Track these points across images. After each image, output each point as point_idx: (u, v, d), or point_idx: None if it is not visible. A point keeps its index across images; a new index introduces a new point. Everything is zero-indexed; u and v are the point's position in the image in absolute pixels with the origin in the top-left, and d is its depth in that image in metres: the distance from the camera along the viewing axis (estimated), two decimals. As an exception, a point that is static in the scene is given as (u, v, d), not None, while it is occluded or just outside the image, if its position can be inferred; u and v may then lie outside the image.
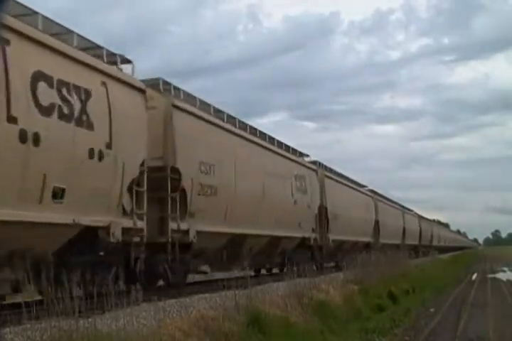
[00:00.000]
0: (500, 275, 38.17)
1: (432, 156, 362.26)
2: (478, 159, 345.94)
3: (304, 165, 22.86)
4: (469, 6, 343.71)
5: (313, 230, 22.68)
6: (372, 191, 37.63)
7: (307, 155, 24.53)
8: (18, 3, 9.41)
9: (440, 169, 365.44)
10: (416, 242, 50.48)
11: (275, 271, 21.35)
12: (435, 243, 66.59)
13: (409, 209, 53.24)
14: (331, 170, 27.82)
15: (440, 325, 15.36)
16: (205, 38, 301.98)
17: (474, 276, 37.30)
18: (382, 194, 41.44)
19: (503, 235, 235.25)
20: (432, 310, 18.58)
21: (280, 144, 20.97)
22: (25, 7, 9.60)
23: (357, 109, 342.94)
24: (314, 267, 18.68)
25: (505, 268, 46.66)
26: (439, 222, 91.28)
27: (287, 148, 21.68)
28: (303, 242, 21.65)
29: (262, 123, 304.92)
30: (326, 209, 24.73)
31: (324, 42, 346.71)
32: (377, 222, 32.49)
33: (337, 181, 27.88)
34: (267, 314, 10.26)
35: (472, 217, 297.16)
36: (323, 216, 24.20)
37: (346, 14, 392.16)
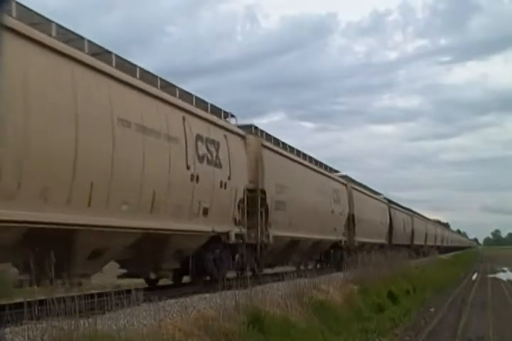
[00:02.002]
0: (501, 275, 38.20)
1: (431, 156, 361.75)
2: (478, 159, 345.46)
3: (337, 181, 27.96)
4: (466, 7, 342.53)
5: (343, 234, 27.36)
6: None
7: (338, 171, 30.03)
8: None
9: (440, 169, 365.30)
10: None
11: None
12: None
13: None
14: (356, 183, 32.90)
15: (440, 324, 15.36)
16: (204, 39, 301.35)
17: (474, 276, 37.34)
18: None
19: (503, 235, 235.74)
20: (432, 310, 18.59)
21: (320, 164, 25.88)
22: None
23: (356, 110, 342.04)
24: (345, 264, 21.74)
25: (505, 268, 46.67)
26: (439, 222, 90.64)
27: (326, 166, 26.75)
28: (336, 244, 26.51)
29: (261, 123, 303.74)
30: (354, 215, 28.99)
31: (322, 42, 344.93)
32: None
33: (360, 192, 32.72)
34: (267, 314, 10.26)
35: (472, 217, 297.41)
36: (350, 221, 28.44)
37: (344, 15, 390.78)
